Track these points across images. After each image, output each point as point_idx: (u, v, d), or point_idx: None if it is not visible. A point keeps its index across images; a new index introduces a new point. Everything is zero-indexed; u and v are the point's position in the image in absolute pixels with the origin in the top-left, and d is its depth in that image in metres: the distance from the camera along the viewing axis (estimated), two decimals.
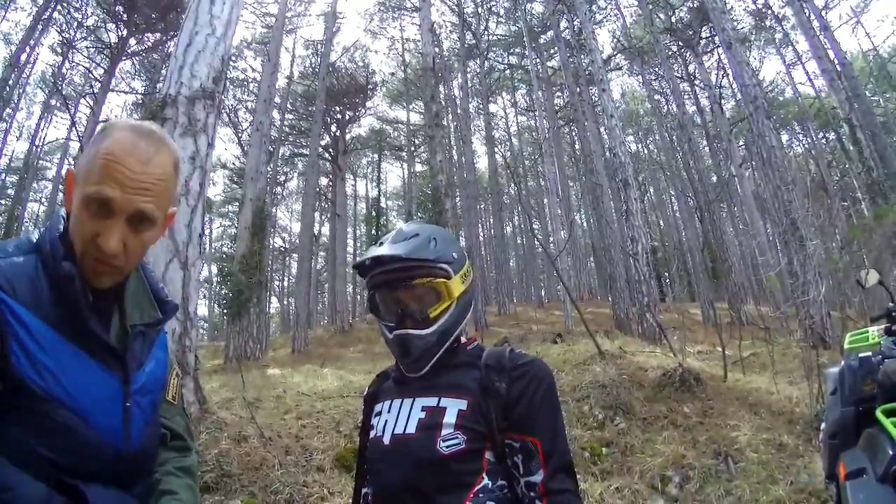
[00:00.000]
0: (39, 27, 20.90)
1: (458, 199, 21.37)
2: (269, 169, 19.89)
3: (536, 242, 32.12)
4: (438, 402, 1.34)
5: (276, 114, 23.80)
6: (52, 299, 1.08)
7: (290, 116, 30.83)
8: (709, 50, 25.00)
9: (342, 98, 29.63)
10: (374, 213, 36.15)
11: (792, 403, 5.60)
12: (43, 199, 31.71)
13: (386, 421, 1.39)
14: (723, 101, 24.25)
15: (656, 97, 30.08)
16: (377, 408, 1.46)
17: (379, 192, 39.64)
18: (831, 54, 17.85)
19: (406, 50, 32.12)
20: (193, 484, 1.32)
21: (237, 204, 26.31)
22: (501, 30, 31.85)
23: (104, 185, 1.06)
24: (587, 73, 21.87)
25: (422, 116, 29.14)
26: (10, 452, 1.00)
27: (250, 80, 27.57)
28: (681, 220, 35.99)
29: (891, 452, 2.05)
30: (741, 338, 8.60)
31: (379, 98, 34.66)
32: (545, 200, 34.30)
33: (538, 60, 28.71)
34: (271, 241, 31.58)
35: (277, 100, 23.89)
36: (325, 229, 34.73)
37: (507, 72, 34.30)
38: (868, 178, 19.45)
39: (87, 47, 23.69)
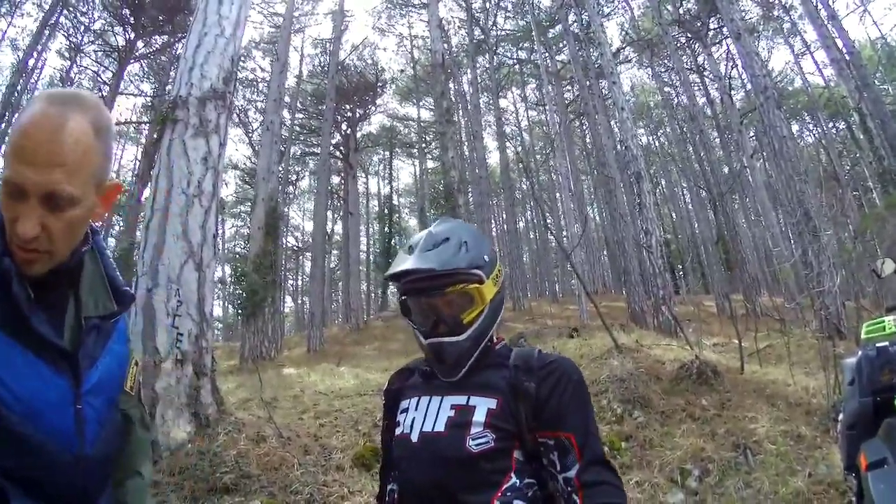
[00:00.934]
0: (46, 32, 20.79)
1: (470, 194, 21.30)
2: (280, 168, 19.88)
3: (550, 237, 31.95)
4: (468, 400, 1.34)
5: (286, 113, 23.78)
6: None
7: (301, 115, 30.79)
8: (717, 41, 24.76)
9: (352, 96, 29.66)
10: (386, 211, 36.26)
11: (809, 395, 5.57)
12: None
13: (414, 418, 1.39)
14: (733, 92, 23.99)
15: (666, 89, 29.85)
16: (403, 404, 1.46)
17: (391, 189, 39.79)
18: (839, 43, 17.60)
19: (415, 47, 32.04)
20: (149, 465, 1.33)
21: (249, 204, 26.36)
22: (510, 25, 31.64)
23: (14, 167, 0.95)
24: (597, 66, 21.73)
25: (432, 113, 29.10)
26: None
27: (259, 80, 27.46)
28: (693, 213, 35.77)
29: None
30: (756, 329, 8.56)
31: (389, 95, 34.61)
32: (557, 195, 34.11)
33: (547, 55, 28.60)
34: (284, 241, 31.73)
35: (287, 99, 23.84)
36: (338, 227, 34.94)
37: (517, 66, 34.08)
38: (879, 166, 19.31)
39: (94, 51, 23.58)
